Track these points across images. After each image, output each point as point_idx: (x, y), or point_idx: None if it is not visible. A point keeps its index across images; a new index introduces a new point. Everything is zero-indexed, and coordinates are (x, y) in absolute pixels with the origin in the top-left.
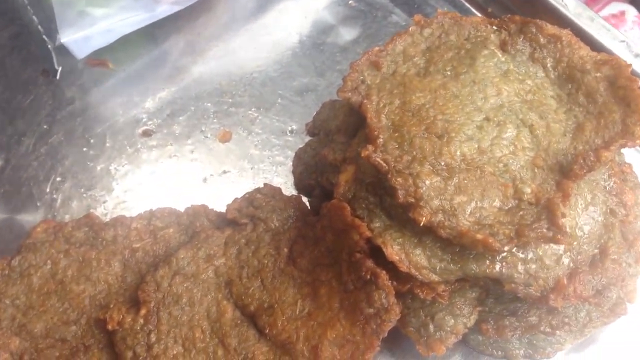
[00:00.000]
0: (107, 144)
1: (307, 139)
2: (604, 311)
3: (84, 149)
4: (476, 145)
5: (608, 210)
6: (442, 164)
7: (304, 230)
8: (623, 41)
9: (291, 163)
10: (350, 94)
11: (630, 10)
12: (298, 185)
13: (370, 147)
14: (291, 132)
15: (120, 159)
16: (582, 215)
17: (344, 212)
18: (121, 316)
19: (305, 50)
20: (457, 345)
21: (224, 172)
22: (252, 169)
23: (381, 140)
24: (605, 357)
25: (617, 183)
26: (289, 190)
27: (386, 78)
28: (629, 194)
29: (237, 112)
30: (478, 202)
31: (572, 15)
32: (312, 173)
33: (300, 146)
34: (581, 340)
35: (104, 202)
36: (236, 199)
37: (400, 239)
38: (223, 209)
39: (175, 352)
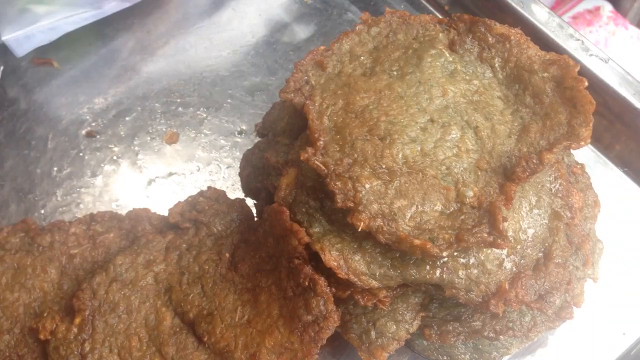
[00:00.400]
0: (49, 146)
1: (257, 140)
2: (550, 315)
3: (25, 152)
4: (419, 148)
5: (553, 213)
6: (384, 167)
7: (247, 235)
8: (579, 40)
9: (239, 165)
10: (292, 94)
11: (606, 6)
12: (245, 188)
13: (310, 150)
14: (240, 133)
15: (62, 161)
16: (527, 218)
17: (283, 217)
18: (55, 325)
19: (258, 49)
20: (403, 350)
21: (170, 174)
22: (199, 171)
23: (322, 142)
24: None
25: (564, 185)
26: (238, 193)
27: (331, 78)
28: (576, 196)
29: (185, 112)
30: (419, 206)
31: (528, 13)
32: (259, 176)
33: (249, 148)
34: (528, 344)
35: (43, 206)
36: (179, 202)
37: (339, 245)
38: (167, 213)
39: None
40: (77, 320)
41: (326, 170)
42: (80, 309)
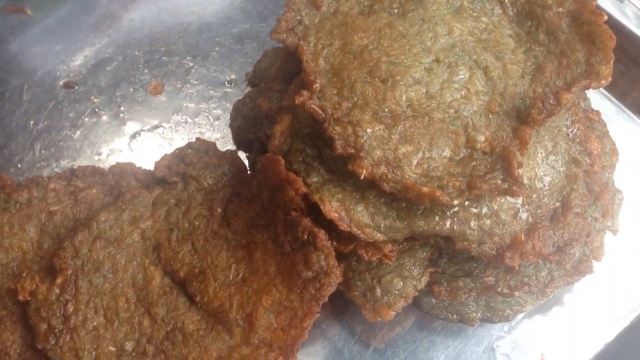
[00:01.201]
0: (24, 98)
1: (248, 89)
2: (568, 270)
3: None
4: (424, 90)
5: (571, 160)
6: (386, 110)
7: (239, 189)
8: None
9: (229, 116)
10: (285, 35)
11: None
12: (236, 140)
13: (305, 93)
14: (230, 82)
15: (38, 114)
16: (542, 165)
17: (278, 166)
18: (35, 285)
19: None
20: (410, 309)
21: (155, 127)
22: (186, 123)
23: (318, 85)
24: (571, 318)
25: (582, 130)
26: (227, 145)
27: (326, 18)
28: (594, 142)
29: (170, 61)
30: (426, 152)
31: None
32: (252, 127)
33: (240, 98)
34: (543, 301)
35: (20, 161)
36: (165, 155)
37: (339, 195)
38: (153, 167)
39: (95, 323)
40: (59, 281)
41: (323, 115)
42: (61, 269)
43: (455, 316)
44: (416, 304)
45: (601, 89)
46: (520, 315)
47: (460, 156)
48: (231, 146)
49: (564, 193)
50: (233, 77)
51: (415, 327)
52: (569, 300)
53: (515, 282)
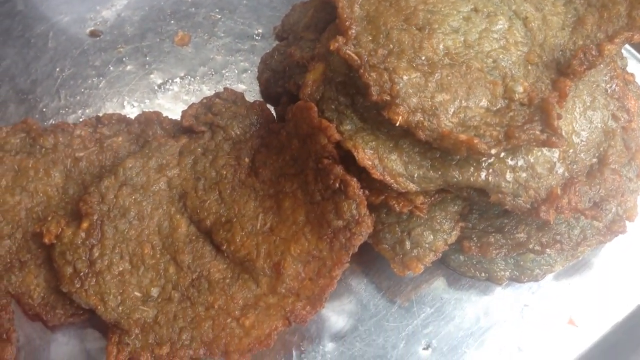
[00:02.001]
0: (50, 45)
1: (276, 43)
2: (600, 229)
3: (24, 50)
4: (462, 39)
5: (609, 115)
6: (423, 58)
7: (268, 139)
8: None
9: (257, 69)
10: None
11: None
12: (264, 93)
13: (341, 39)
14: (258, 36)
15: (64, 61)
16: (580, 119)
17: (311, 113)
18: (60, 229)
19: None
20: (437, 267)
21: (181, 78)
22: (213, 75)
23: (353, 31)
24: (600, 281)
25: (620, 86)
26: (254, 98)
27: None
28: (632, 99)
29: (197, 13)
30: (462, 101)
31: None
32: (280, 80)
33: (267, 51)
34: (572, 263)
35: (45, 107)
36: (193, 104)
37: (373, 143)
38: (179, 118)
39: (121, 268)
40: (85, 225)
41: (359, 61)
42: (87, 213)
43: (483, 274)
44: (444, 262)
45: (635, 51)
46: (548, 277)
47: (498, 106)
48: (258, 99)
49: (601, 149)
50: (260, 30)
51: (441, 285)
52: (597, 264)
53: (547, 239)
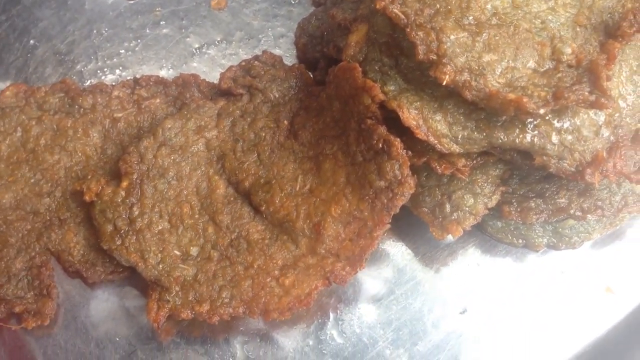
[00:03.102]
0: (87, 7)
1: (312, 9)
2: None
3: (61, 12)
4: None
5: None
6: (470, 18)
7: (307, 102)
8: None
9: (293, 35)
10: None
11: None
12: (301, 58)
13: None
14: (294, 1)
15: (101, 23)
16: (626, 84)
17: (354, 74)
18: (100, 187)
19: None
20: (473, 233)
21: (218, 42)
22: (249, 39)
23: None
24: (635, 251)
25: None
26: (290, 64)
27: None
28: None
29: None
30: (510, 62)
31: None
32: (317, 45)
33: (305, 16)
34: (610, 232)
35: (83, 68)
36: (231, 66)
37: (417, 103)
38: (216, 81)
39: (160, 227)
40: (124, 184)
41: (406, 20)
42: (127, 172)
43: (520, 241)
44: (480, 228)
45: None
46: (585, 245)
47: (545, 68)
48: (295, 63)
49: None
50: None
51: (477, 251)
52: (633, 234)
53: (588, 204)
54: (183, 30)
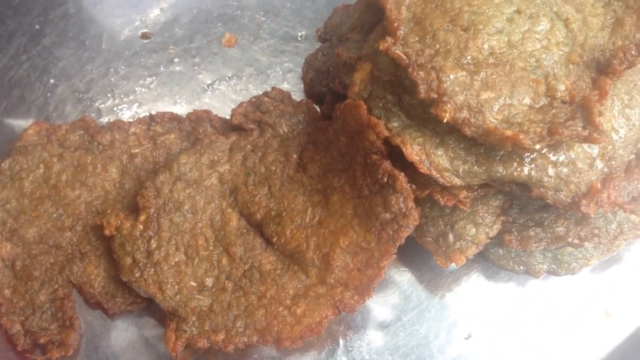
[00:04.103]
0: (104, 46)
1: (318, 45)
2: (636, 223)
3: (79, 52)
4: (506, 39)
5: None
6: (468, 58)
7: (315, 136)
8: None
9: (301, 70)
10: None
11: None
12: (308, 92)
13: (389, 39)
14: (301, 37)
15: (117, 62)
16: (618, 117)
17: (360, 111)
18: (119, 222)
19: None
20: (475, 260)
21: (229, 78)
22: (259, 75)
23: (401, 32)
24: (633, 275)
25: None
26: (299, 98)
27: None
28: None
29: (242, 15)
30: (507, 99)
31: None
32: (324, 80)
33: (311, 52)
34: (608, 257)
35: (100, 106)
36: (242, 102)
37: (420, 139)
38: (228, 116)
39: (177, 259)
40: (142, 218)
41: (407, 60)
42: (144, 207)
43: (521, 267)
44: (483, 255)
45: None
46: (584, 270)
47: (541, 104)
48: (302, 98)
49: (639, 146)
50: (304, 32)
51: (480, 278)
52: (631, 259)
53: (585, 233)
54: (195, 67)
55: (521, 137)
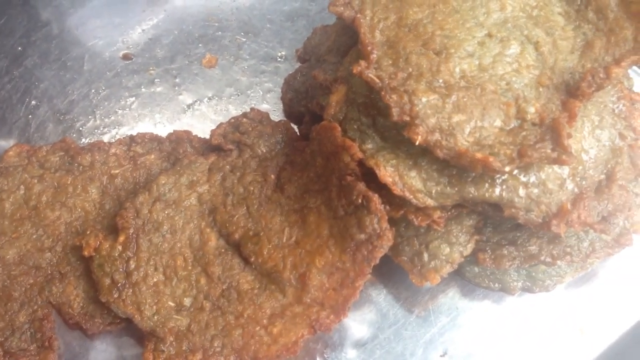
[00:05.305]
0: (85, 68)
1: (298, 65)
2: (608, 241)
3: (61, 73)
4: (477, 63)
5: (616, 134)
6: (440, 81)
7: (293, 156)
8: None
9: (280, 90)
10: (342, 8)
11: None
12: (287, 112)
13: (363, 63)
14: (281, 58)
15: (99, 82)
16: (588, 138)
17: (335, 133)
18: (98, 242)
19: None
20: (452, 278)
21: (209, 98)
22: (239, 95)
23: (375, 56)
24: (608, 291)
25: (627, 106)
26: (278, 118)
27: None
28: (638, 118)
29: (223, 37)
30: (478, 122)
31: None
32: (302, 100)
33: (291, 72)
34: (582, 274)
35: (81, 127)
36: (221, 123)
37: (394, 161)
38: (208, 136)
39: (155, 279)
40: (121, 238)
41: (380, 84)
42: (124, 227)
43: (496, 285)
44: (459, 273)
45: None
46: (559, 288)
47: (511, 126)
48: (282, 119)
49: (609, 166)
50: (283, 53)
51: (457, 295)
52: (605, 275)
53: (558, 251)
54: (176, 88)
55: (491, 160)
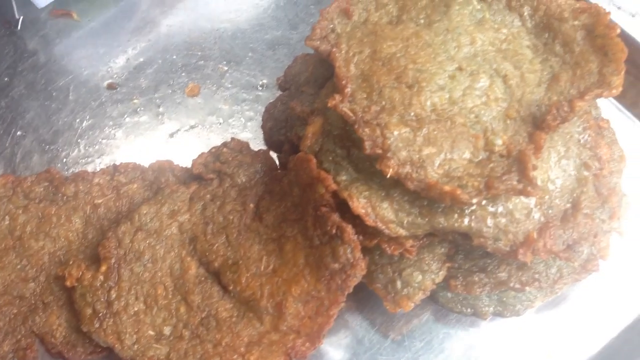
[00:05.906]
0: (70, 97)
1: (279, 93)
2: (576, 267)
3: (46, 103)
4: (447, 96)
5: (582, 164)
6: (412, 114)
7: (271, 186)
8: None
9: (261, 118)
10: (318, 42)
11: None
12: (268, 141)
13: (337, 97)
14: (262, 86)
15: (83, 112)
16: (555, 168)
17: (310, 165)
18: (80, 272)
19: (279, 3)
20: (427, 303)
21: (192, 127)
22: (220, 124)
23: (349, 89)
24: (577, 315)
25: (592, 137)
26: (259, 145)
27: (357, 27)
28: (604, 147)
29: (206, 65)
30: (447, 154)
31: None
32: (282, 129)
33: (271, 101)
34: (552, 298)
35: (66, 157)
36: (202, 153)
37: (366, 192)
38: (189, 165)
39: (136, 309)
40: (103, 268)
41: (354, 117)
42: (105, 257)
43: (469, 310)
44: (433, 298)
45: (611, 98)
46: (530, 312)
47: (480, 158)
48: (262, 146)
49: (575, 195)
50: (265, 81)
51: (431, 320)
52: (575, 298)
53: (526, 277)
54: (159, 117)
55: (458, 192)
